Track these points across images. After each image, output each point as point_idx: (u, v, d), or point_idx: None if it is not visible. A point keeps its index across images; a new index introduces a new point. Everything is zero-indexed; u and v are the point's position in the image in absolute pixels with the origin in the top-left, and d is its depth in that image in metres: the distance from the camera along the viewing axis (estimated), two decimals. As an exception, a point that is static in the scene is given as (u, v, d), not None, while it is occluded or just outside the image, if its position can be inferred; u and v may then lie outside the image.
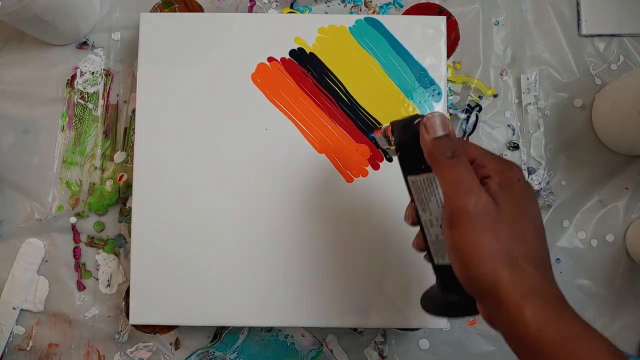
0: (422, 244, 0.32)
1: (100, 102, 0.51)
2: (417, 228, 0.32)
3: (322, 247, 0.46)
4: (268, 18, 0.49)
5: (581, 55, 0.51)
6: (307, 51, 0.47)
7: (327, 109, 0.47)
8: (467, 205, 0.27)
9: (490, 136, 0.50)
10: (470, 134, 0.50)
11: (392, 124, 0.33)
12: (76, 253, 0.50)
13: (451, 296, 0.30)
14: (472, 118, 0.50)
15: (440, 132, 0.29)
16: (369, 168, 0.46)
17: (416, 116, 0.32)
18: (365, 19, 0.48)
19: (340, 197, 0.46)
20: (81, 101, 0.51)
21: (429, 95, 0.47)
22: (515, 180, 0.29)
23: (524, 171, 0.50)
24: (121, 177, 0.50)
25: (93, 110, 0.51)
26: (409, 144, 0.31)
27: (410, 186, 0.32)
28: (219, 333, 0.49)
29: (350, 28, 0.48)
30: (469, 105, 0.50)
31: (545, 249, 0.29)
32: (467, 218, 0.27)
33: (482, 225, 0.27)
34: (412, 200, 0.32)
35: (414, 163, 0.31)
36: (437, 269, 0.32)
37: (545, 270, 0.28)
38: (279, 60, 0.47)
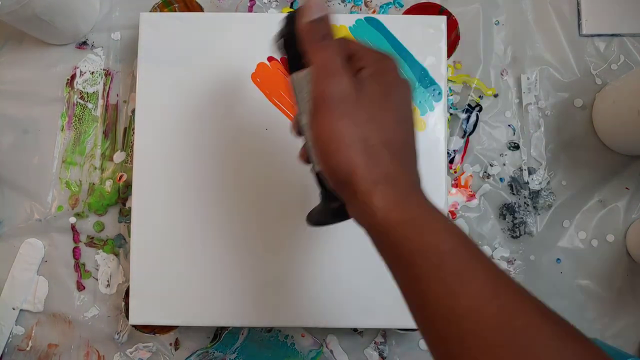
0: (306, 154, 0.31)
1: (100, 102, 0.51)
2: (303, 139, 0.31)
3: (322, 247, 0.45)
4: (268, 18, 0.49)
5: (581, 55, 0.51)
6: (307, 51, 0.47)
7: (327, 109, 0.47)
8: (327, 89, 0.27)
9: (491, 136, 0.50)
10: (470, 133, 0.50)
11: (281, 20, 0.31)
12: (76, 253, 0.50)
13: (331, 203, 0.30)
14: (473, 118, 0.50)
15: (314, 15, 0.28)
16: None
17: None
18: (366, 18, 0.47)
19: (340, 197, 0.46)
20: (81, 101, 0.51)
21: (429, 95, 0.47)
22: (388, 71, 0.28)
23: (524, 171, 0.50)
24: (121, 177, 0.50)
25: (93, 110, 0.51)
26: (290, 36, 0.29)
27: (292, 86, 0.30)
28: (218, 333, 0.49)
29: (350, 27, 0.48)
30: (469, 105, 0.50)
31: (408, 138, 0.28)
32: (326, 104, 0.26)
33: (341, 111, 0.26)
34: (296, 104, 0.30)
35: (296, 57, 0.29)
36: (317, 178, 0.31)
37: (403, 157, 0.27)
38: (279, 60, 0.47)
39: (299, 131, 0.32)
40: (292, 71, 0.30)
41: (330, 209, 0.30)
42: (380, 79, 0.28)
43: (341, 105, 0.26)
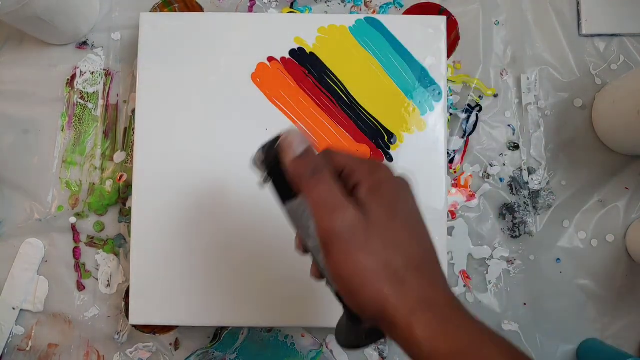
0: (318, 272, 0.29)
1: (100, 102, 0.51)
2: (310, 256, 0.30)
3: (322, 247, 0.45)
4: (268, 18, 0.49)
5: (581, 55, 0.51)
6: (307, 51, 0.47)
7: (327, 109, 0.47)
8: (334, 226, 0.25)
9: (491, 136, 0.50)
10: (470, 134, 0.50)
11: (258, 150, 0.29)
12: (76, 253, 0.50)
13: (361, 324, 0.28)
14: (473, 118, 0.50)
15: (298, 151, 0.27)
16: (369, 168, 0.46)
17: (277, 138, 0.28)
18: (366, 18, 0.47)
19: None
20: (81, 101, 0.51)
21: (429, 95, 0.47)
22: (384, 180, 0.27)
23: (524, 171, 0.50)
24: (121, 177, 0.50)
25: (93, 110, 0.51)
26: (274, 169, 0.28)
27: (288, 215, 0.29)
28: (218, 333, 0.49)
29: (350, 28, 0.48)
30: (469, 105, 0.50)
31: (426, 248, 0.27)
32: (337, 241, 0.25)
33: (354, 245, 0.25)
34: (296, 229, 0.29)
35: (284, 189, 0.28)
36: (337, 295, 0.29)
37: (431, 273, 0.26)
38: (279, 60, 0.47)
39: (304, 251, 0.30)
40: (283, 199, 0.29)
41: (360, 331, 0.28)
42: (380, 193, 0.26)
43: (353, 238, 0.25)
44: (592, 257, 0.49)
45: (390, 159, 0.46)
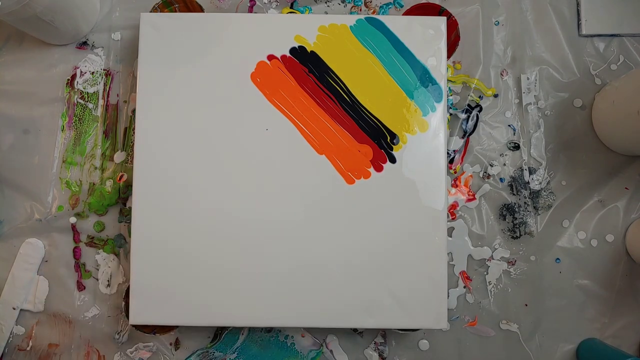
0: None
1: (100, 102, 0.51)
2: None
3: (322, 248, 0.45)
4: (268, 18, 0.49)
5: (581, 55, 0.51)
6: (308, 49, 0.47)
7: (328, 109, 0.47)
8: None
9: (491, 136, 0.50)
10: (470, 134, 0.50)
11: None
12: (76, 253, 0.50)
13: None
14: (473, 118, 0.50)
15: None
16: (372, 169, 0.46)
17: None
18: (366, 18, 0.47)
19: (340, 198, 0.46)
20: (81, 101, 0.51)
21: (430, 95, 0.47)
22: None
23: (524, 171, 0.50)
24: (121, 177, 0.50)
25: (93, 110, 0.51)
26: None
27: None
28: (219, 333, 0.49)
29: (351, 27, 0.48)
30: (469, 105, 0.50)
31: None
32: None
33: None
34: None
35: None
36: None
37: None
38: (279, 58, 0.47)
39: None
40: None
41: None
42: None
43: None
44: (592, 257, 0.49)
45: (393, 160, 0.46)
